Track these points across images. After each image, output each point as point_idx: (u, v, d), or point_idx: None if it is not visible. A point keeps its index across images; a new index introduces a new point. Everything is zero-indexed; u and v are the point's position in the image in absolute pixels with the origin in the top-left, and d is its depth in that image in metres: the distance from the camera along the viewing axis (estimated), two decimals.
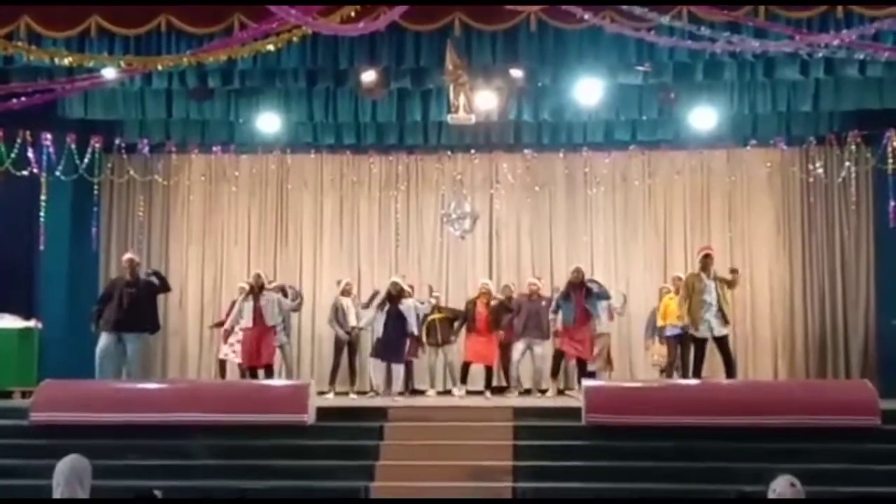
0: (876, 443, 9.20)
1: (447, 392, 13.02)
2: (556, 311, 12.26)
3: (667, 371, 12.46)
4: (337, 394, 12.70)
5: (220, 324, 12.86)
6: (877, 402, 9.43)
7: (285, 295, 12.66)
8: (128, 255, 11.55)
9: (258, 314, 11.96)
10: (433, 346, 12.96)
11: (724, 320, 11.00)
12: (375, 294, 12.53)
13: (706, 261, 11.09)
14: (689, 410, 9.39)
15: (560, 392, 12.60)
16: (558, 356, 12.41)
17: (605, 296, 12.26)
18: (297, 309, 12.99)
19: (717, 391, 10.26)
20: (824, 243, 13.87)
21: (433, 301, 12.85)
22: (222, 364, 12.80)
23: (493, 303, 12.81)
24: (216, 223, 14.58)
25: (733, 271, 11.36)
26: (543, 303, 12.61)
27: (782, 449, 8.79)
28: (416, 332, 11.95)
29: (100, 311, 11.04)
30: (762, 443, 8.97)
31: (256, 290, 12.10)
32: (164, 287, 11.61)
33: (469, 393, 12.68)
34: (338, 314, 12.86)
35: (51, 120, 12.35)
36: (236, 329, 12.28)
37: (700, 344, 11.05)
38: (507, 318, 12.63)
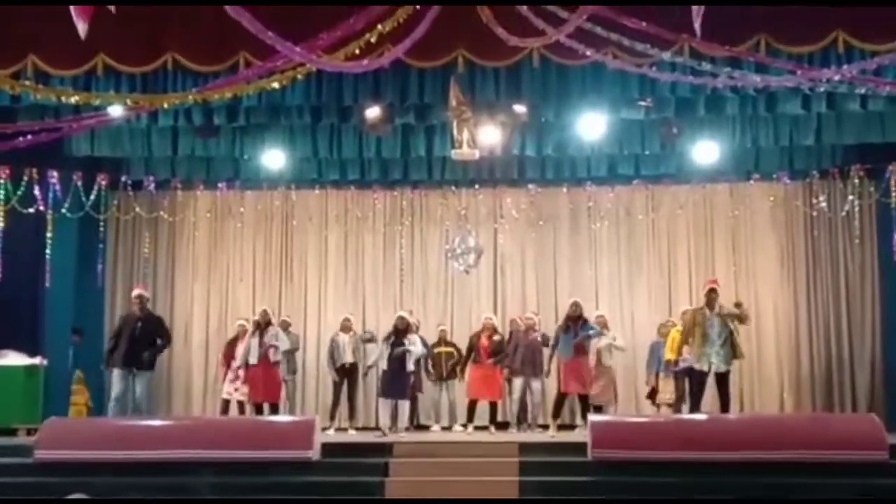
0: (884, 477, 9.10)
1: (449, 428, 12.95)
2: (554, 347, 12.15)
3: (675, 406, 12.33)
4: (338, 430, 12.65)
5: (227, 363, 12.81)
6: (884, 436, 9.37)
7: (286, 331, 12.80)
8: (138, 291, 11.60)
9: (264, 351, 11.99)
10: (435, 381, 12.93)
11: (732, 356, 10.86)
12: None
13: (711, 295, 11.00)
14: (695, 445, 9.35)
15: (560, 428, 12.35)
16: (560, 398, 12.17)
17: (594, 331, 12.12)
18: (296, 348, 13.18)
19: (723, 425, 10.16)
20: (829, 277, 13.84)
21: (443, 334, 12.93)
22: (225, 403, 12.75)
23: (495, 338, 12.77)
24: (221, 259, 14.62)
25: (738, 305, 11.28)
26: (539, 337, 12.49)
27: (789, 483, 8.74)
28: (412, 367, 11.78)
29: (112, 348, 11.05)
30: (769, 477, 8.91)
31: (263, 326, 12.13)
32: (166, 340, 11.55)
33: (475, 429, 12.62)
34: (334, 351, 12.84)
35: (57, 157, 12.43)
36: (234, 366, 12.38)
37: (699, 378, 10.95)
38: (501, 356, 12.57)
